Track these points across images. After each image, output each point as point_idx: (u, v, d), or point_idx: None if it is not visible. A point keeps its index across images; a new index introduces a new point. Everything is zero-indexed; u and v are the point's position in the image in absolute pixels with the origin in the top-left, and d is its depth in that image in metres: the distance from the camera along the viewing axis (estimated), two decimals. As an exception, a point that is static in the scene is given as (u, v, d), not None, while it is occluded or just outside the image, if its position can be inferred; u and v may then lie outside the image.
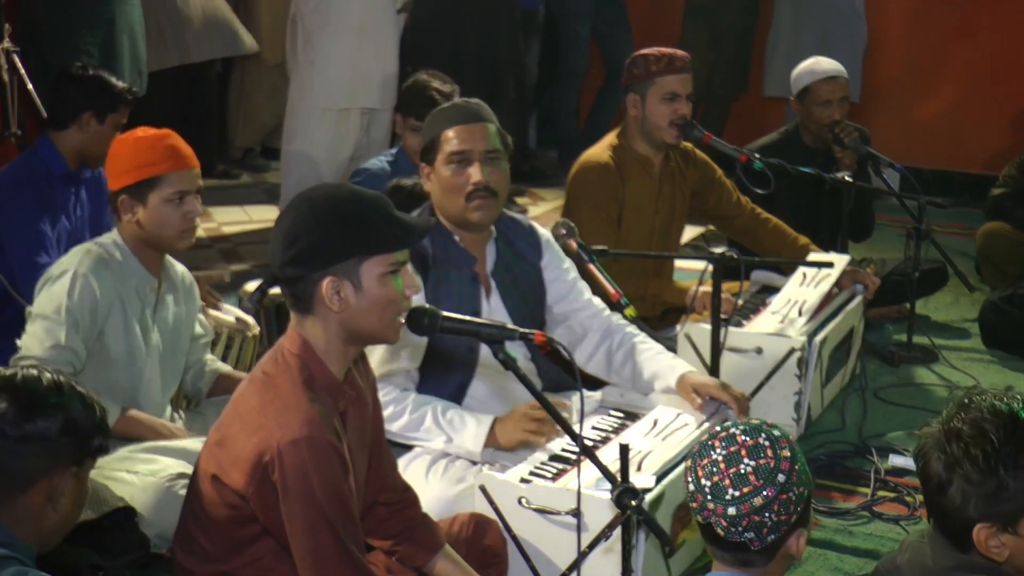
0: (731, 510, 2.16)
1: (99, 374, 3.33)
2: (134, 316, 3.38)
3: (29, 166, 4.23)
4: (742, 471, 2.16)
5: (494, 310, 3.51)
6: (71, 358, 3.26)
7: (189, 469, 3.26)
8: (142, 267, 3.41)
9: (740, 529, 2.17)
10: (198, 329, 3.68)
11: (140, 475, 3.23)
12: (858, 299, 4.63)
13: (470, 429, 3.31)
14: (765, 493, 2.15)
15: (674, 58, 4.47)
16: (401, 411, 3.33)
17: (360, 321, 2.55)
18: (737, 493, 2.16)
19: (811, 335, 4.23)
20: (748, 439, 2.19)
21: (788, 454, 2.18)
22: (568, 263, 3.69)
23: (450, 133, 3.36)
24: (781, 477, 2.16)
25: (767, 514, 2.16)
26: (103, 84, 4.27)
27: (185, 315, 3.58)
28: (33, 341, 3.26)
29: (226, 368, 3.76)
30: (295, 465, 2.41)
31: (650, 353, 3.64)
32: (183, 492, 3.08)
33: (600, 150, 4.54)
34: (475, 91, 6.10)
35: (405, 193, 4.01)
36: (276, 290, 3.88)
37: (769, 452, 2.18)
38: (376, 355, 3.33)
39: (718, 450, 2.20)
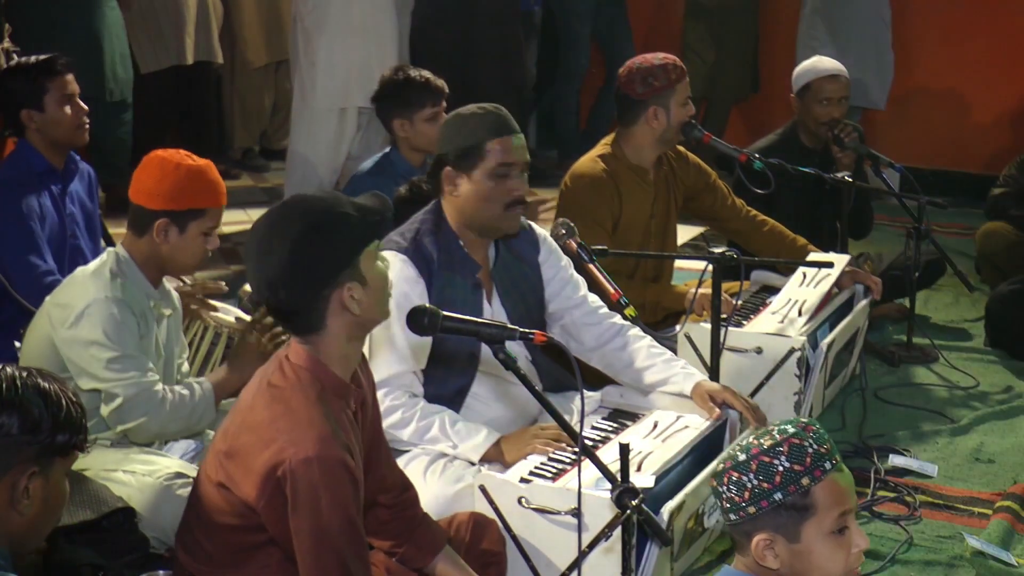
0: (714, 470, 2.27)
1: None
2: (150, 336, 3.37)
3: (15, 167, 4.21)
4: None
5: (496, 313, 3.51)
6: (143, 368, 3.26)
7: (187, 468, 3.27)
8: (148, 284, 3.39)
9: (712, 494, 2.27)
10: (183, 341, 3.65)
11: (137, 475, 3.23)
12: (865, 301, 4.62)
13: (475, 440, 3.31)
14: (725, 463, 2.20)
15: (680, 64, 4.48)
16: (409, 418, 3.32)
17: (371, 312, 2.57)
18: (721, 455, 2.28)
19: (819, 337, 4.23)
20: (781, 425, 2.21)
21: (769, 444, 2.16)
22: (565, 260, 3.69)
23: (496, 144, 3.34)
24: (742, 456, 2.17)
25: (722, 485, 2.20)
26: (21, 78, 4.22)
27: (175, 328, 3.56)
28: (113, 384, 3.23)
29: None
30: (306, 483, 2.41)
31: (659, 359, 3.64)
32: (181, 492, 3.10)
33: (592, 161, 4.48)
34: (484, 91, 6.15)
35: (424, 192, 4.00)
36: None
37: (764, 436, 2.19)
38: (380, 359, 3.33)
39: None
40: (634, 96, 4.45)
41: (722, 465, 2.21)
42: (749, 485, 2.15)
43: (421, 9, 6.47)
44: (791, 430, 2.17)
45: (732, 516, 2.19)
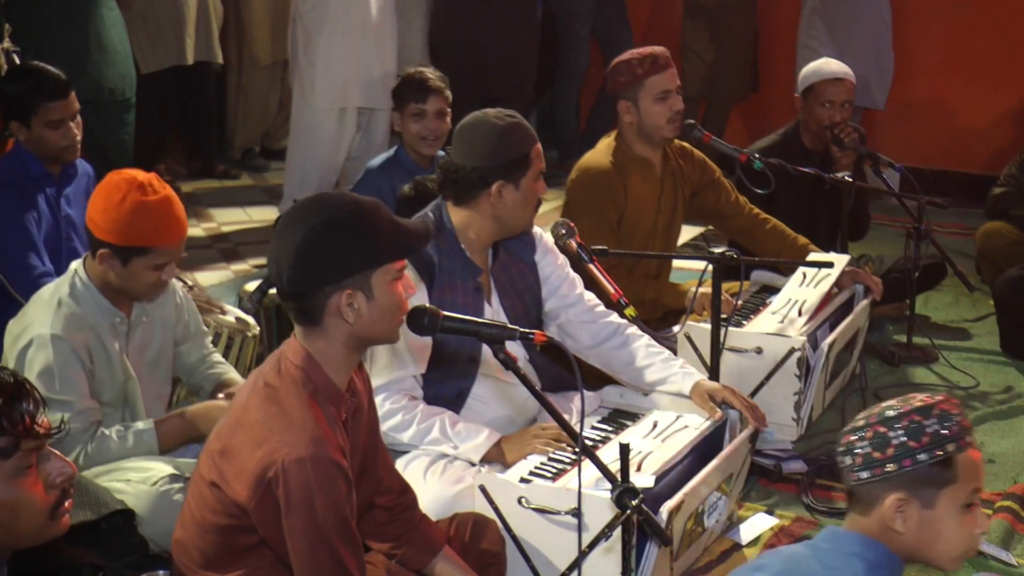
0: (847, 426, 2.19)
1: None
2: (115, 358, 3.31)
3: (11, 168, 4.18)
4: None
5: (496, 314, 3.51)
6: (89, 415, 3.22)
7: (182, 468, 3.26)
8: (110, 305, 3.30)
9: (841, 450, 2.18)
10: (192, 328, 3.60)
11: (132, 483, 3.20)
12: (866, 301, 4.62)
13: (476, 440, 3.32)
14: (869, 419, 2.15)
15: (656, 56, 4.45)
16: (410, 421, 3.33)
17: (371, 329, 2.55)
18: (861, 414, 2.18)
19: (819, 338, 4.23)
20: (925, 394, 2.17)
21: (920, 405, 2.13)
22: (561, 258, 3.69)
23: (535, 151, 3.46)
24: (890, 412, 2.13)
25: (862, 439, 2.14)
26: (17, 88, 4.16)
27: (161, 326, 3.49)
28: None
29: (233, 376, 3.63)
30: (299, 484, 2.41)
31: (657, 358, 3.64)
32: (177, 496, 3.10)
33: (599, 155, 4.50)
34: (498, 93, 6.18)
35: (429, 192, 4.01)
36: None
37: (912, 399, 2.14)
38: (381, 362, 3.33)
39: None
40: (609, 92, 4.53)
41: (863, 420, 2.15)
42: (895, 442, 2.11)
43: (438, 11, 6.49)
44: (940, 398, 2.15)
45: (864, 473, 2.13)
